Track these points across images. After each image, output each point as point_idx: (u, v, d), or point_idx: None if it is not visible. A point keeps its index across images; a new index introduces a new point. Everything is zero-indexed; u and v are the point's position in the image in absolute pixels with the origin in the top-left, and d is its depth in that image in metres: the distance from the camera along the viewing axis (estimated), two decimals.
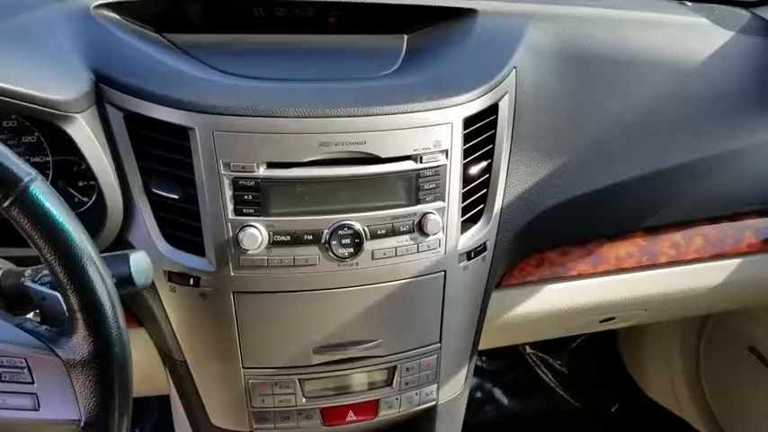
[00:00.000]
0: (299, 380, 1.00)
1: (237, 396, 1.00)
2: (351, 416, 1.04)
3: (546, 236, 1.17)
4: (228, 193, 0.90)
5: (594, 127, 1.15)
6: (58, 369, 0.66)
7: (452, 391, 1.12)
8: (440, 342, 1.06)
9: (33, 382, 0.67)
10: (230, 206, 0.90)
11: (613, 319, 1.35)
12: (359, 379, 1.03)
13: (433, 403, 1.10)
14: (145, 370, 1.08)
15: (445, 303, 1.04)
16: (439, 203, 0.98)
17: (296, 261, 0.94)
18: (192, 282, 0.94)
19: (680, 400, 1.95)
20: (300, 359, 0.99)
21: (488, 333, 1.16)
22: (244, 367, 0.98)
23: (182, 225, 0.94)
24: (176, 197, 0.93)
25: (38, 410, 0.67)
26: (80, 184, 0.97)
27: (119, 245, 0.94)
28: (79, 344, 0.65)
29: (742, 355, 1.77)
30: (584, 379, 2.19)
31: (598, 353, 2.17)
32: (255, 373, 0.99)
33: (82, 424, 0.67)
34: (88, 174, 0.93)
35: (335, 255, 0.94)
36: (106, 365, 0.66)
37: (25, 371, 0.67)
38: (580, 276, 1.22)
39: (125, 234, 0.94)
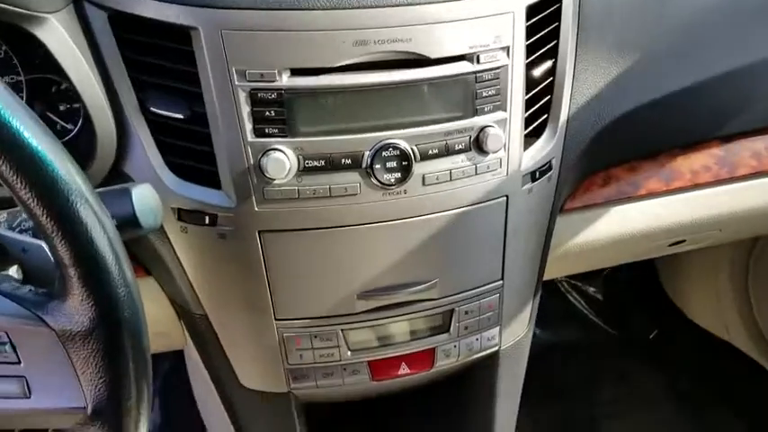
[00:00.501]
0: (341, 330, 0.85)
1: (270, 353, 0.85)
2: (403, 368, 0.90)
3: (614, 150, 1.00)
4: (246, 109, 0.73)
5: (670, 15, 0.96)
6: (51, 343, 0.50)
7: (516, 334, 0.98)
8: (502, 279, 0.90)
9: (20, 362, 0.51)
10: (249, 126, 0.73)
11: (683, 241, 1.19)
12: (411, 326, 0.88)
13: (496, 349, 0.95)
14: (156, 326, 0.92)
15: (507, 234, 0.87)
16: (500, 114, 0.81)
17: (332, 191, 0.77)
18: (207, 220, 0.77)
19: (727, 322, 1.83)
20: (342, 307, 0.84)
21: (548, 264, 1.00)
22: (276, 319, 0.83)
23: (190, 152, 0.76)
24: (181, 117, 0.75)
25: (29, 397, 0.51)
26: (61, 107, 0.79)
27: (114, 179, 0.77)
28: (76, 309, 0.49)
29: None
30: (619, 306, 2.06)
31: (635, 278, 2.04)
32: (290, 325, 0.84)
33: (89, 412, 0.51)
34: (70, 94, 0.76)
35: (379, 181, 0.77)
36: (114, 335, 0.50)
37: (7, 347, 0.51)
38: (650, 195, 1.05)
39: (120, 165, 0.77)
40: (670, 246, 1.20)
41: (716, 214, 1.11)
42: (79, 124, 0.79)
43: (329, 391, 0.89)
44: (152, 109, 0.75)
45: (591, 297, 2.10)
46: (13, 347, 0.50)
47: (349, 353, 0.86)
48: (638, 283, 2.04)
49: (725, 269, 1.81)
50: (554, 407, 1.96)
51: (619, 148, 1.00)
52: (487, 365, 0.97)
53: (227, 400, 0.94)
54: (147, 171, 0.76)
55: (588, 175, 1.01)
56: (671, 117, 1.02)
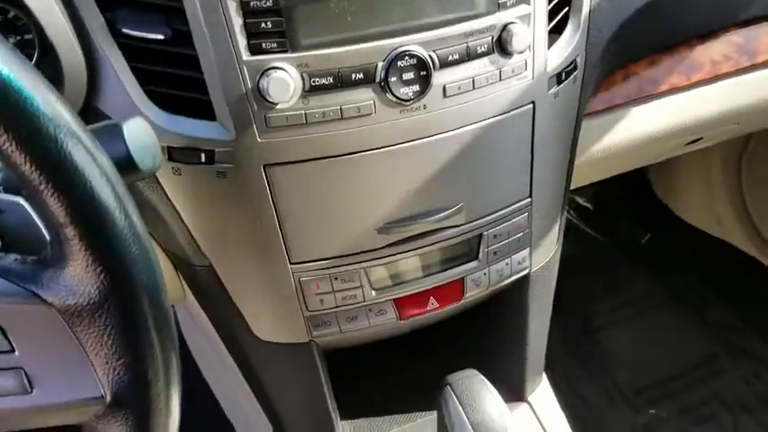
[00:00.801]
0: (363, 270, 0.76)
1: (287, 300, 0.76)
2: (432, 303, 0.82)
3: (636, 44, 0.91)
4: (237, 21, 0.61)
5: None
6: (52, 323, 0.40)
7: (546, 255, 0.90)
8: (530, 196, 0.82)
9: (14, 350, 0.41)
10: (242, 42, 0.62)
11: (700, 139, 1.12)
12: (437, 257, 0.80)
13: (526, 272, 0.88)
14: None
15: (535, 145, 0.79)
16: (523, 8, 0.71)
17: (344, 112, 0.66)
18: (203, 158, 0.67)
19: (719, 214, 1.80)
20: (363, 243, 0.74)
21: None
22: (291, 263, 0.73)
23: (175, 79, 0.65)
24: (160, 37, 0.63)
25: (30, 392, 0.41)
26: (18, 38, 0.66)
27: (88, 120, 0.65)
28: (80, 278, 0.38)
29: None
30: (610, 213, 2.02)
31: (624, 183, 1.99)
32: (307, 268, 0.74)
33: (108, 401, 0.42)
34: (20, 23, 0.63)
35: (396, 97, 0.67)
36: (132, 304, 0.40)
37: None
38: (671, 92, 0.97)
39: (94, 100, 0.65)
40: (687, 144, 1.13)
41: (736, 107, 1.04)
42: (35, 57, 0.66)
43: (354, 336, 0.81)
44: (124, 30, 0.63)
45: (581, 207, 2.05)
46: (3, 333, 0.40)
47: (373, 293, 0.78)
48: (627, 189, 1.99)
49: (717, 165, 1.77)
50: (552, 320, 1.93)
51: (640, 40, 0.91)
52: (518, 290, 0.90)
53: (239, 356, 0.86)
54: (125, 106, 0.64)
55: (607, 75, 0.92)
56: (690, 3, 0.93)
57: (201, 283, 0.78)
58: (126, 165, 0.46)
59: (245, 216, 0.70)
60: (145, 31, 0.63)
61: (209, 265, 0.75)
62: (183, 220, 0.72)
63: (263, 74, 0.63)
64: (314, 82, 0.65)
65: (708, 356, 1.77)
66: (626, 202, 2.00)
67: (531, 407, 0.99)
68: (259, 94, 0.63)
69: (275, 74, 0.63)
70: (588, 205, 2.03)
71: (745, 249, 1.81)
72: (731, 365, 1.75)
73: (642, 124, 0.97)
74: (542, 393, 1.01)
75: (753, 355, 1.76)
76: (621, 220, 2.03)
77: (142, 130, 0.49)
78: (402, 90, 0.67)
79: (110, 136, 0.46)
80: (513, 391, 0.99)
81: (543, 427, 0.97)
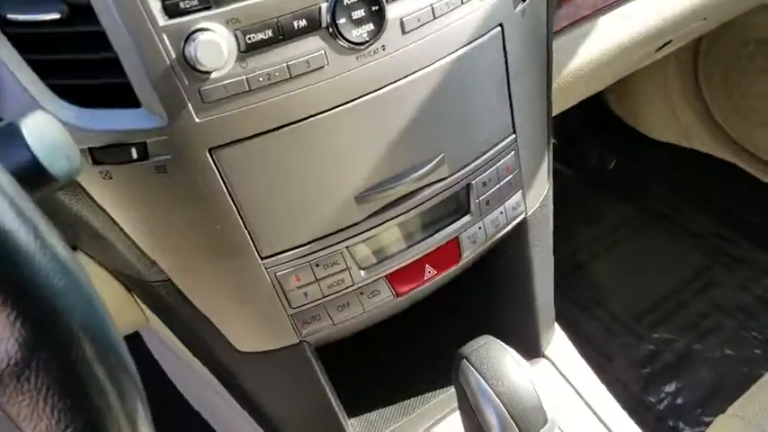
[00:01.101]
0: (347, 249, 0.66)
1: (266, 302, 0.65)
2: (429, 271, 0.72)
3: None
4: None
5: None
6: None
7: (540, 194, 0.81)
8: (514, 132, 0.73)
9: None
10: (156, 3, 0.51)
11: (670, 42, 1.05)
12: (426, 219, 0.70)
13: (523, 216, 0.79)
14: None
15: (510, 73, 0.69)
16: None
17: (292, 70, 0.56)
18: (135, 154, 0.55)
19: (685, 126, 1.75)
20: (341, 218, 0.64)
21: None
22: (262, 258, 0.63)
23: (82, 65, 0.53)
24: (54, 17, 0.51)
25: None
26: None
27: None
28: None
29: (741, 57, 1.56)
30: (576, 144, 1.95)
31: (586, 113, 1.92)
32: (282, 260, 0.64)
33: None
34: None
35: (348, 41, 0.57)
36: (69, 353, 0.29)
37: None
38: None
39: None
40: (657, 51, 1.06)
41: (699, 1, 0.96)
42: None
43: (348, 326, 0.71)
44: (9, 17, 0.51)
45: None
46: None
47: (362, 273, 0.68)
48: (590, 118, 1.92)
49: (673, 75, 1.71)
50: None
51: None
52: (516, 238, 0.81)
53: (224, 375, 0.75)
54: (24, 105, 0.52)
55: None
56: None
57: (162, 302, 0.66)
58: (33, 173, 0.35)
59: (199, 213, 0.59)
60: (35, 13, 0.51)
61: (167, 279, 0.64)
62: (125, 232, 0.61)
63: (187, 39, 0.52)
64: (250, 39, 0.54)
65: (698, 269, 1.73)
66: (590, 130, 1.93)
67: (550, 361, 0.91)
68: (187, 65, 0.52)
69: (202, 36, 0.52)
70: (553, 140, 1.96)
71: (714, 153, 1.76)
72: (723, 274, 1.71)
73: (612, 34, 0.89)
74: (559, 345, 0.94)
75: (743, 260, 1.72)
76: (588, 150, 1.97)
77: (48, 126, 0.37)
78: (354, 32, 0.57)
79: (6, 140, 0.35)
80: (530, 349, 0.92)
81: (568, 381, 0.89)
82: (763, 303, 1.64)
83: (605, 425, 0.85)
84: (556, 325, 0.95)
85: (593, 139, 1.97)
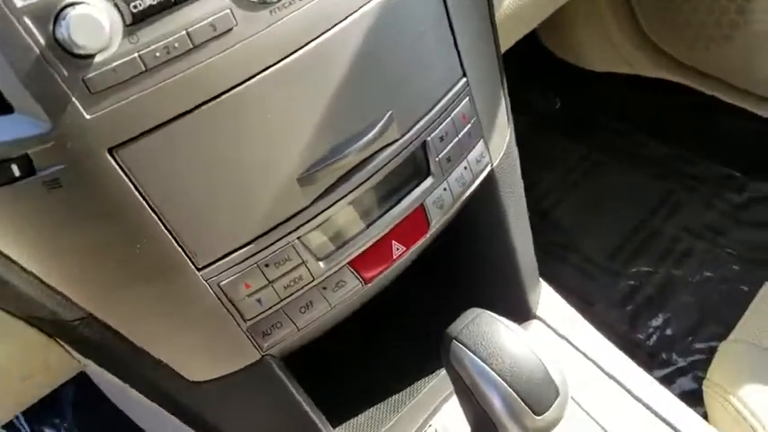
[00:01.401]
0: (299, 240, 0.56)
1: (213, 319, 0.55)
2: (397, 248, 0.63)
3: None
4: None
5: None
6: None
7: (503, 140, 0.72)
8: (464, 75, 0.63)
9: None
10: None
11: None
12: (383, 190, 0.60)
13: (489, 167, 0.70)
14: (20, 367, 0.60)
15: (449, 5, 0.60)
16: None
17: (194, 36, 0.46)
18: (17, 170, 0.44)
19: (625, 54, 1.68)
20: (286, 205, 0.54)
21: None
22: (199, 268, 0.52)
23: None
24: None
25: None
26: None
27: None
28: None
29: None
30: (518, 89, 1.87)
31: (522, 57, 1.84)
32: (224, 266, 0.53)
33: None
34: None
35: None
36: None
37: None
38: None
39: None
40: None
41: None
42: None
43: (315, 327, 0.62)
44: None
45: None
46: None
47: (321, 264, 0.58)
48: (527, 60, 1.84)
49: (605, 1, 1.64)
50: None
51: None
52: (486, 194, 0.72)
53: (181, 412, 0.64)
54: None
55: None
56: None
57: (89, 342, 0.55)
58: None
59: (112, 229, 0.48)
60: None
61: (89, 315, 0.53)
62: (24, 269, 0.49)
63: (56, 19, 0.41)
64: (135, 7, 0.43)
65: (661, 195, 1.69)
66: (530, 73, 1.85)
67: (543, 322, 0.84)
68: (62, 50, 0.42)
69: (74, 11, 0.41)
70: None
71: (659, 77, 1.70)
72: (686, 195, 1.67)
73: None
74: (549, 303, 0.86)
75: (704, 178, 1.68)
76: (531, 94, 1.90)
77: None
78: None
79: None
80: (521, 312, 0.84)
81: (568, 340, 0.82)
82: (730, 218, 1.61)
83: (620, 383, 0.77)
84: (542, 281, 0.87)
85: (534, 82, 1.90)
